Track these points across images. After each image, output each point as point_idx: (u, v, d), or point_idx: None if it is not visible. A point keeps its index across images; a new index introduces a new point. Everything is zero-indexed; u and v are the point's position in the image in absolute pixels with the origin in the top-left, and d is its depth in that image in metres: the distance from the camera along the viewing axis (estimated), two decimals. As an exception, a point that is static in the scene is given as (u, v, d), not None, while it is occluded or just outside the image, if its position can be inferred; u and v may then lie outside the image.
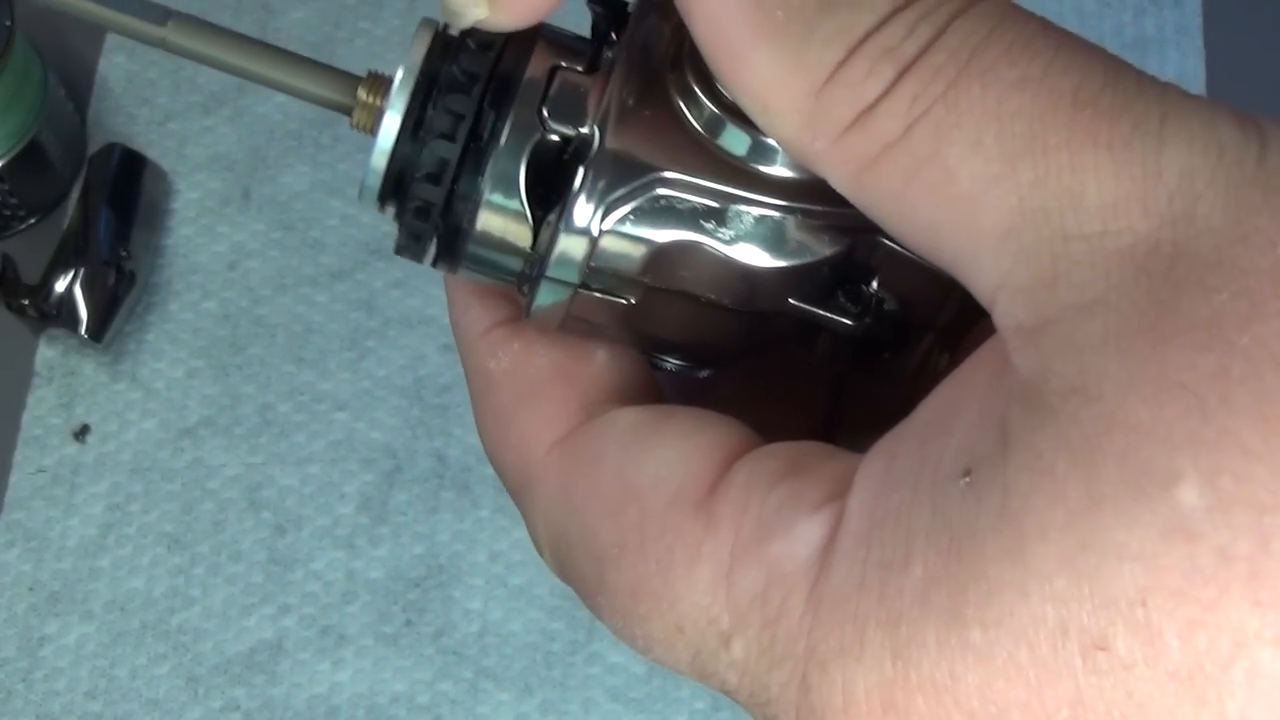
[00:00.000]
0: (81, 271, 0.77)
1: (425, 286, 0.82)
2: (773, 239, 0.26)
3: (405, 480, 0.78)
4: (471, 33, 0.26)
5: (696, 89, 0.25)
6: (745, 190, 0.25)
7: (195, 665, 0.74)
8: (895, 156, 0.22)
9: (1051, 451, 0.20)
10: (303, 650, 0.75)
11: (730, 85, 0.24)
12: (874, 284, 0.27)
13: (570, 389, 0.27)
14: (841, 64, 0.22)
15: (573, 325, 0.27)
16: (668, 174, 0.25)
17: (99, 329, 0.78)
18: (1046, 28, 0.22)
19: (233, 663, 0.75)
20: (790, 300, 0.26)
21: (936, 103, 0.22)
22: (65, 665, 0.74)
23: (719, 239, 0.25)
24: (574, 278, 0.26)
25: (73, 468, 0.78)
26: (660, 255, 0.26)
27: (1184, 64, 0.89)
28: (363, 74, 0.28)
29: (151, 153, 0.84)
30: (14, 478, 0.78)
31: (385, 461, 0.78)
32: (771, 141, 0.25)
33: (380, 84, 0.27)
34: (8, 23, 0.75)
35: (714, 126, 0.25)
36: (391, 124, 0.26)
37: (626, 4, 0.28)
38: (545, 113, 0.26)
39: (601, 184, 0.25)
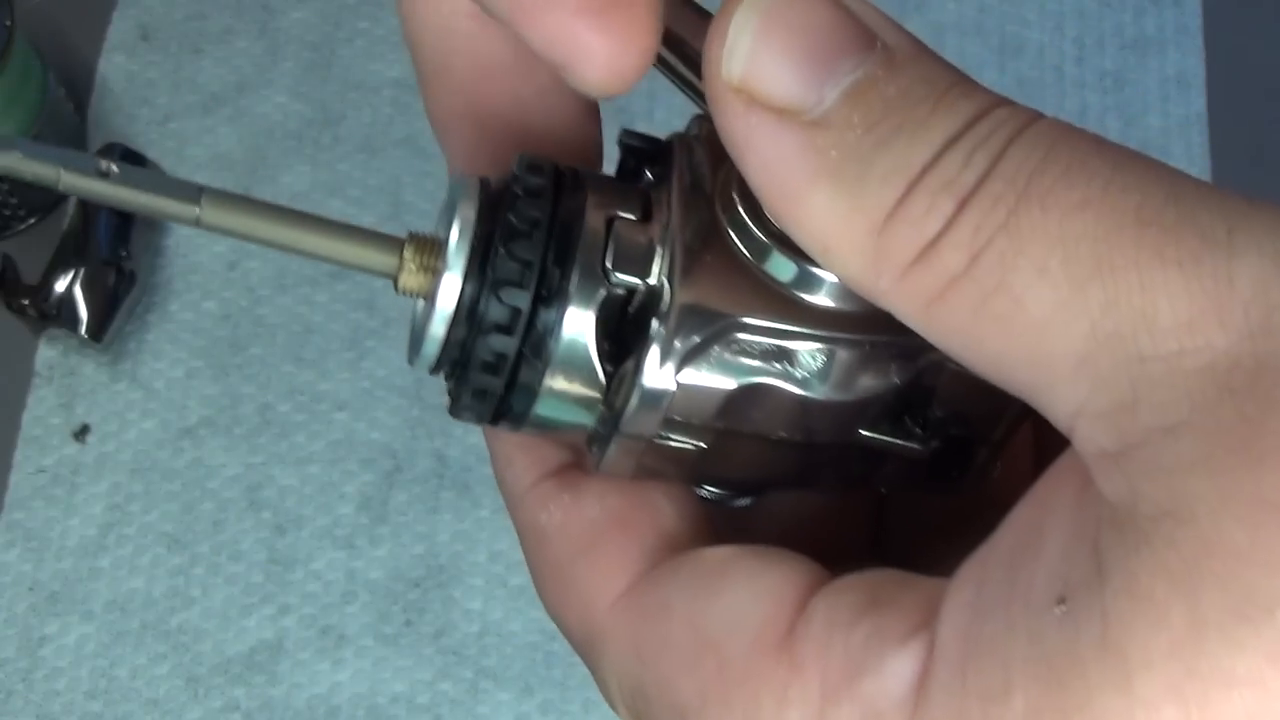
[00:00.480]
0: (81, 271, 0.77)
1: (425, 286, 0.82)
2: (844, 374, 0.25)
3: (405, 480, 0.78)
4: (521, 181, 0.26)
5: (747, 220, 0.25)
6: (813, 327, 0.25)
7: (195, 665, 0.74)
8: (962, 289, 0.22)
9: (1149, 577, 0.20)
10: (303, 650, 0.75)
11: (788, 227, 0.24)
12: (934, 406, 0.26)
13: (628, 537, 0.27)
14: (901, 201, 0.22)
15: (638, 473, 0.27)
16: (739, 320, 0.25)
17: (99, 329, 0.78)
18: (1101, 146, 0.22)
19: (233, 663, 0.75)
20: (860, 431, 0.26)
21: (999, 232, 0.21)
22: (65, 665, 0.74)
23: (792, 379, 0.25)
24: (650, 432, 0.25)
25: (73, 468, 0.78)
26: (734, 400, 0.25)
27: (1184, 64, 0.89)
28: (403, 234, 0.27)
29: (151, 153, 0.84)
30: (14, 478, 0.78)
31: (385, 461, 0.78)
32: (818, 271, 0.25)
33: (425, 245, 0.27)
34: (8, 23, 0.75)
35: (762, 254, 0.25)
36: (452, 286, 0.25)
37: (662, 142, 0.27)
38: (609, 265, 0.25)
39: (676, 338, 0.25)
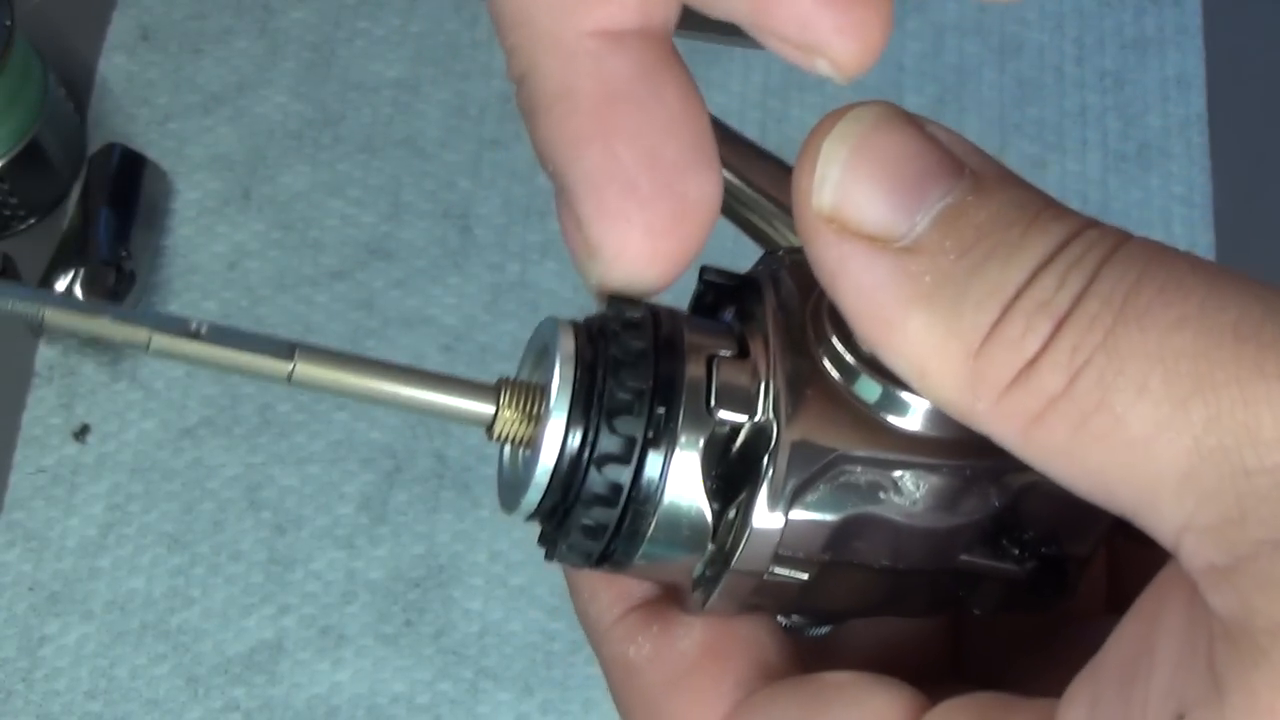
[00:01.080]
0: (81, 271, 0.77)
1: (425, 286, 0.82)
2: (946, 499, 0.26)
3: (405, 480, 0.78)
4: (618, 323, 0.26)
5: (842, 350, 0.25)
6: (914, 455, 0.25)
7: (195, 665, 0.74)
8: (1061, 409, 0.22)
9: (1269, 692, 0.20)
10: (303, 650, 0.75)
11: (884, 354, 0.24)
12: (1028, 526, 0.27)
13: (722, 668, 0.27)
14: (997, 323, 0.22)
15: (739, 610, 0.27)
16: (845, 453, 0.25)
17: (99, 329, 0.77)
18: (1195, 264, 0.22)
19: (233, 663, 0.75)
20: (959, 555, 0.26)
21: (1097, 351, 0.22)
22: (65, 665, 0.74)
23: (896, 508, 0.25)
24: (761, 569, 0.25)
25: (73, 468, 0.78)
26: (840, 532, 0.25)
27: (1184, 64, 0.89)
28: (491, 381, 0.26)
29: (151, 153, 0.84)
30: (14, 478, 0.78)
31: (385, 461, 0.78)
32: (912, 397, 0.25)
33: (521, 391, 0.26)
34: (8, 23, 0.75)
35: (858, 383, 0.25)
36: (556, 435, 0.25)
37: (743, 277, 0.28)
38: (713, 405, 0.25)
39: (787, 475, 0.25)
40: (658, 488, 0.25)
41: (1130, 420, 0.21)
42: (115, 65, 0.87)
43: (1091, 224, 0.23)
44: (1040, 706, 0.23)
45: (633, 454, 0.25)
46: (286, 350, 0.25)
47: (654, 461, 0.25)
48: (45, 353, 0.80)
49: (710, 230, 0.28)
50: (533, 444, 0.26)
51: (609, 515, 0.25)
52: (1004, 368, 0.22)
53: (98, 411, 0.79)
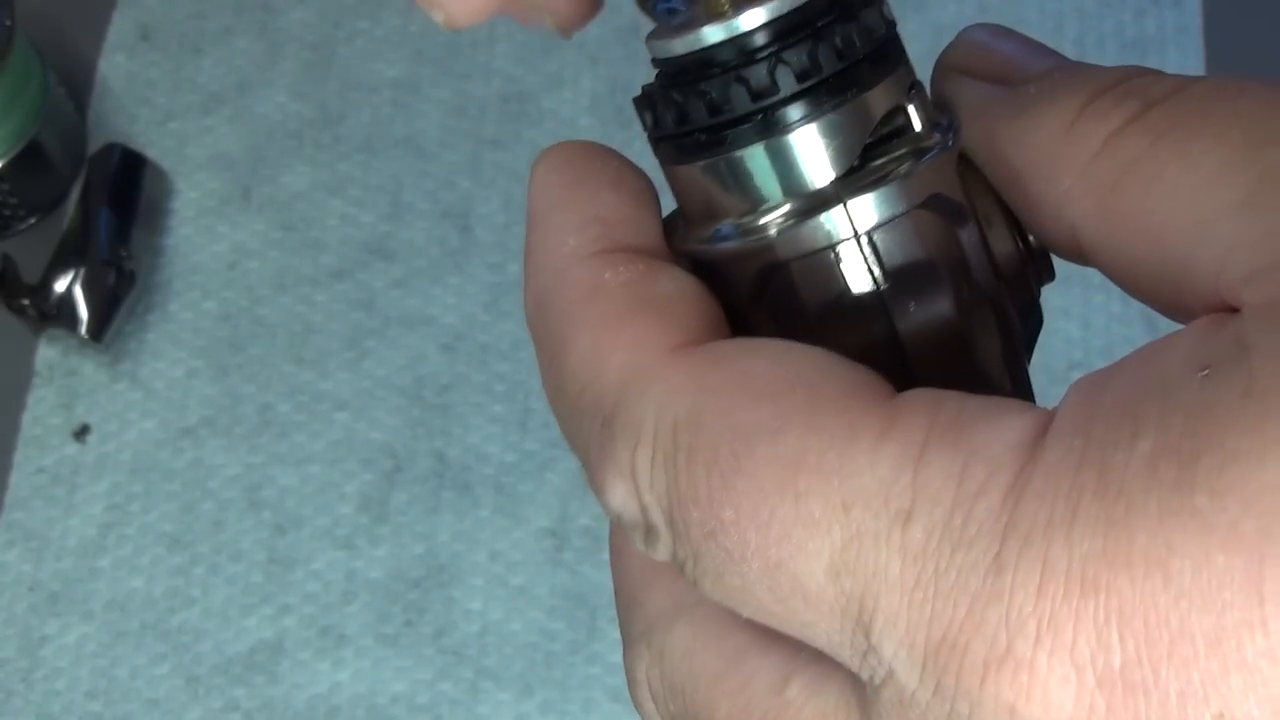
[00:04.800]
0: (81, 271, 0.77)
1: (425, 286, 0.82)
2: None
3: (405, 480, 0.78)
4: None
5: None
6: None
7: (195, 665, 0.74)
8: (1142, 168, 0.24)
9: None
10: (303, 650, 0.75)
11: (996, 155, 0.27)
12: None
13: (699, 310, 0.25)
14: (1089, 103, 0.25)
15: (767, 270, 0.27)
16: (967, 204, 0.27)
17: (99, 329, 0.78)
18: None
19: (233, 663, 0.75)
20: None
21: (1187, 115, 0.24)
22: (65, 665, 0.74)
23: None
24: (845, 236, 0.25)
25: (73, 468, 0.78)
26: (909, 270, 0.26)
27: (1184, 64, 0.89)
28: None
29: (151, 153, 0.84)
30: (14, 478, 0.78)
31: (385, 461, 0.78)
32: None
33: None
34: (8, 23, 0.75)
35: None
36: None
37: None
38: (911, 91, 0.27)
39: (924, 186, 0.26)
40: (823, 107, 0.25)
41: (1204, 162, 0.23)
42: (115, 65, 0.87)
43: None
44: (1033, 407, 0.23)
45: (826, 65, 0.25)
46: None
47: (836, 86, 0.25)
48: (45, 353, 0.80)
49: None
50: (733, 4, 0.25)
51: (770, 89, 0.25)
52: (1092, 138, 0.24)
53: (98, 411, 0.79)
